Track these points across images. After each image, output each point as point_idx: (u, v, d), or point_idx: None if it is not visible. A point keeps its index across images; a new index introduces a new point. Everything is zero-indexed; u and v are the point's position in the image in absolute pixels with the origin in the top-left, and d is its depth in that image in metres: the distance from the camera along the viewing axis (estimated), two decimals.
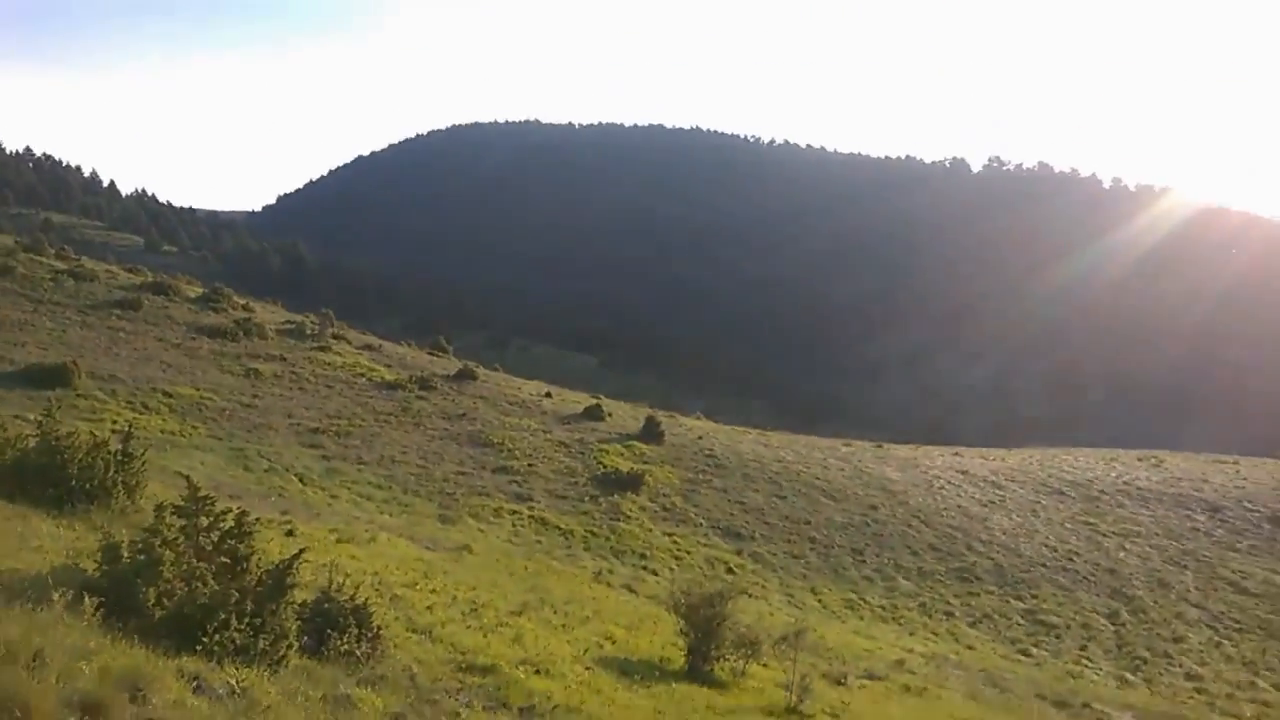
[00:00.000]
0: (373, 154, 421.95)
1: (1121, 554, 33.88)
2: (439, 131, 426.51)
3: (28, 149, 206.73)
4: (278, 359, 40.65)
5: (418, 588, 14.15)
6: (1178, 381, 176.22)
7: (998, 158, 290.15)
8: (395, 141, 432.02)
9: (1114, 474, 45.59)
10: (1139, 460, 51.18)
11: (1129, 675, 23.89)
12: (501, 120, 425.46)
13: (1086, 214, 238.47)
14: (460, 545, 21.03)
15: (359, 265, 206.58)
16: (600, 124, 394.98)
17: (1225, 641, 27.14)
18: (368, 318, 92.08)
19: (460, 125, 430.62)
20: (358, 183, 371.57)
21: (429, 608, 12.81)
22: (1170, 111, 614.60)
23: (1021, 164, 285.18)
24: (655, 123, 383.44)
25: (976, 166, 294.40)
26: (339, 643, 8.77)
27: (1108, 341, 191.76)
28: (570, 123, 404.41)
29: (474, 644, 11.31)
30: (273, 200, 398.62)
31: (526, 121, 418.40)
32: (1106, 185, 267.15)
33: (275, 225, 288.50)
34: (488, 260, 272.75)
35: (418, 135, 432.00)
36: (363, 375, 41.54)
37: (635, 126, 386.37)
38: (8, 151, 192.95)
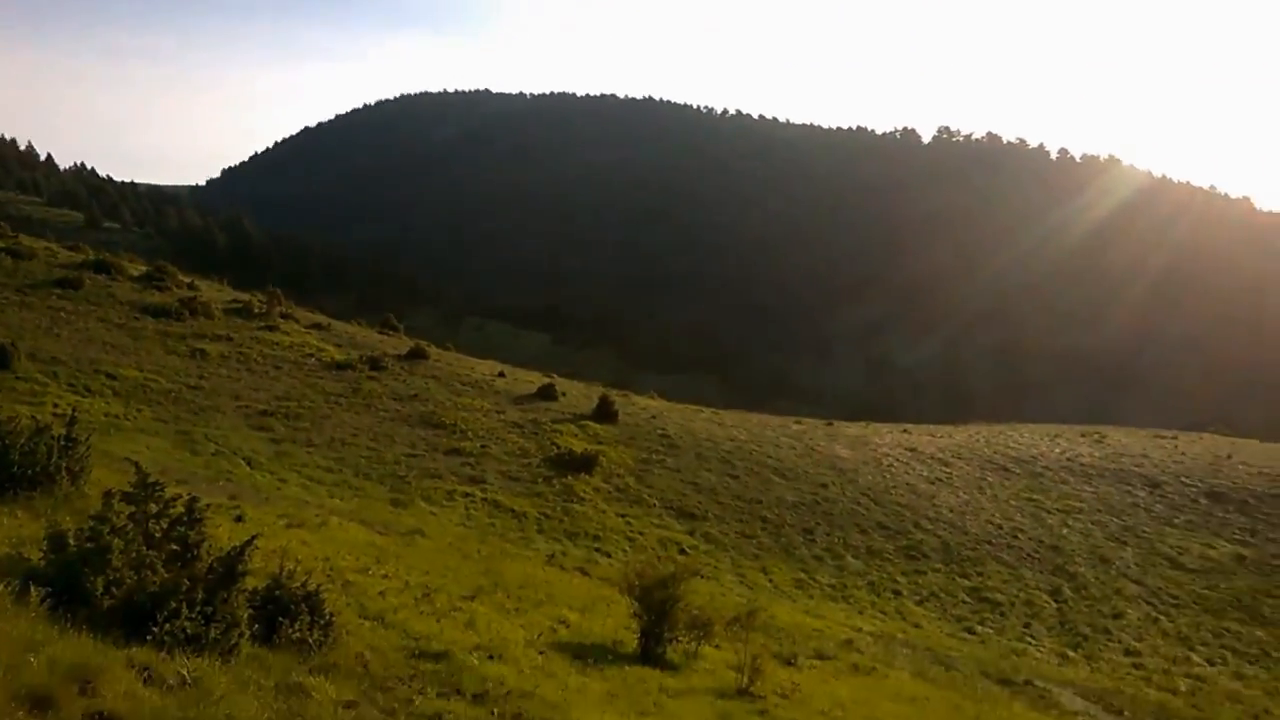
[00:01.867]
0: (320, 125, 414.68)
1: (1064, 530, 34.71)
2: (388, 102, 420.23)
3: None
4: (224, 339, 39.98)
5: (370, 573, 14.08)
6: (1121, 357, 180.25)
7: (947, 128, 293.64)
8: (343, 112, 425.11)
9: (1058, 450, 46.60)
10: (1082, 436, 52.37)
11: (1070, 652, 24.55)
12: (452, 90, 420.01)
13: (1034, 186, 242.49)
14: (412, 529, 20.95)
15: (307, 241, 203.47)
16: (552, 94, 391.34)
17: (1162, 617, 27.98)
18: (316, 295, 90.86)
19: (410, 95, 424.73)
20: (304, 155, 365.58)
21: (381, 593, 12.76)
22: (1116, 82, 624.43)
23: (971, 134, 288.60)
24: (608, 93, 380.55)
25: (927, 137, 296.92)
26: (291, 631, 8.70)
27: (1053, 317, 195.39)
28: (522, 93, 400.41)
29: (427, 630, 11.29)
30: (217, 174, 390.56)
31: (477, 91, 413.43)
32: (1054, 156, 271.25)
33: (220, 200, 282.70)
34: (440, 235, 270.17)
35: (365, 106, 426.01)
36: (312, 355, 41.02)
37: (587, 96, 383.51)
38: None
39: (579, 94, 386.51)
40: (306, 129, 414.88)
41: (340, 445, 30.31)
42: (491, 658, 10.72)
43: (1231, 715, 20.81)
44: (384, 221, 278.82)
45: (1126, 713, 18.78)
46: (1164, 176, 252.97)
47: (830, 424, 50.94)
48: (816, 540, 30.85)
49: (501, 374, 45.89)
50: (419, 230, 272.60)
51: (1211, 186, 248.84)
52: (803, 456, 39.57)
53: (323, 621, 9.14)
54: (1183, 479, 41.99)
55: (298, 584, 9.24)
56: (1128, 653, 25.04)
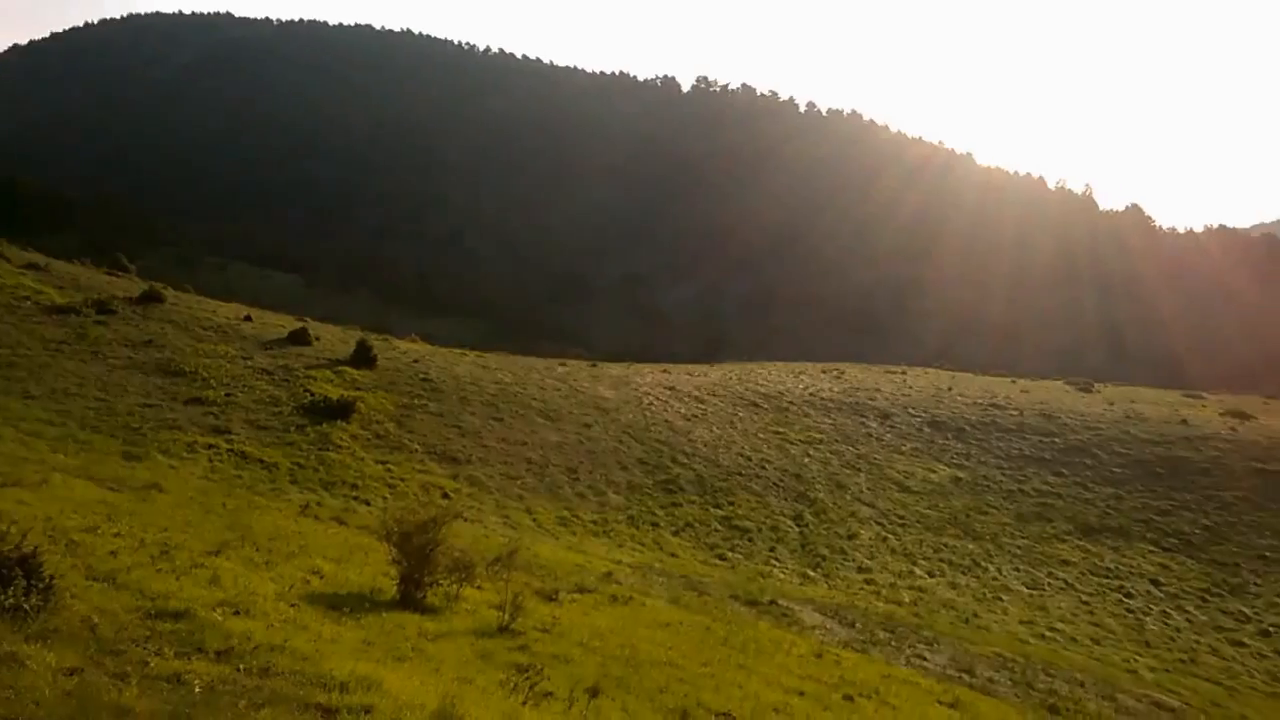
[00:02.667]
0: (31, 44, 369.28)
1: (806, 460, 37.24)
2: (112, 21, 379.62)
3: None
4: None
5: (99, 532, 13.06)
6: (864, 303, 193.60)
7: (705, 78, 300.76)
8: (58, 30, 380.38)
9: (801, 386, 49.76)
10: (823, 373, 56.19)
11: (810, 571, 26.52)
12: (187, 11, 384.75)
13: (786, 139, 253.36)
14: (149, 484, 19.51)
15: (19, 177, 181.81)
16: (302, 20, 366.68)
17: (890, 536, 30.73)
18: (32, 236, 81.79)
19: (138, 15, 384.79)
20: (16, 77, 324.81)
21: (113, 552, 11.88)
22: (856, 42, 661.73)
23: (728, 85, 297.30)
24: (363, 22, 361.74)
25: (686, 86, 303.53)
26: (2, 597, 7.99)
27: (805, 266, 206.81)
28: (268, 18, 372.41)
29: (165, 588, 10.63)
30: None
31: (217, 14, 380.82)
32: (802, 109, 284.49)
33: None
34: (179, 171, 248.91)
35: (86, 24, 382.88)
36: (27, 298, 37.03)
37: (340, 26, 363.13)
38: None
39: (331, 22, 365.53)
40: (15, 47, 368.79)
41: (64, 396, 27.70)
42: (237, 613, 10.25)
43: (946, 620, 23.25)
44: (114, 157, 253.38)
45: (858, 624, 20.55)
46: (910, 136, 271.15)
47: (594, 365, 51.87)
48: (580, 478, 31.47)
49: (248, 318, 43.33)
50: (153, 166, 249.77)
51: (940, 142, 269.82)
52: (567, 398, 40.07)
53: (41, 585, 8.45)
54: (909, 410, 46.00)
55: (11, 547, 8.47)
56: (860, 569, 27.36)
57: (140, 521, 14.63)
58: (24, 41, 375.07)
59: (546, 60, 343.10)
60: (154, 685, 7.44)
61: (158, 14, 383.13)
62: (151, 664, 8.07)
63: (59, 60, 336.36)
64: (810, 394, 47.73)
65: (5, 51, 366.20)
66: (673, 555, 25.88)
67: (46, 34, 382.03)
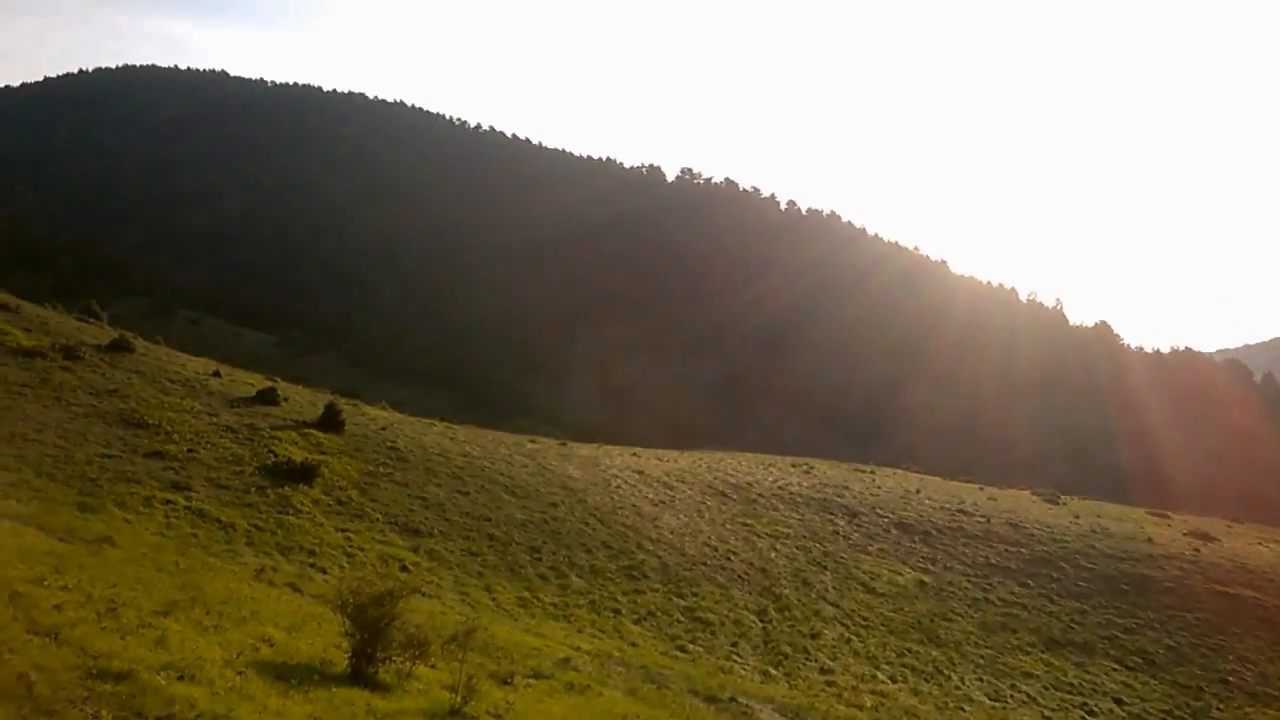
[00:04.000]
0: (23, 85, 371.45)
1: (773, 554, 36.88)
2: (107, 70, 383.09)
3: None
4: None
5: (45, 584, 12.65)
6: (830, 396, 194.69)
7: (689, 169, 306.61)
8: (51, 76, 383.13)
9: (771, 478, 49.56)
10: (793, 466, 56.07)
11: (772, 670, 26.01)
12: (184, 67, 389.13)
13: (765, 233, 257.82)
14: (101, 537, 18.98)
15: None
16: (296, 84, 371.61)
17: (854, 638, 30.29)
18: (4, 279, 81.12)
19: (133, 66, 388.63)
20: (4, 118, 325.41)
21: (57, 607, 11.49)
22: (836, 137, 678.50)
23: (711, 178, 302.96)
24: (357, 90, 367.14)
25: (670, 175, 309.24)
26: None
27: (773, 358, 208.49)
28: (263, 79, 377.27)
29: (109, 647, 10.27)
30: None
31: (213, 71, 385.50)
32: (783, 206, 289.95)
33: None
34: (156, 223, 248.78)
35: (81, 71, 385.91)
36: None
37: (334, 92, 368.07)
38: None
39: (325, 88, 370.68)
40: (7, 88, 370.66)
41: (21, 441, 27.08)
42: (182, 678, 9.89)
43: None
44: (93, 203, 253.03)
45: None
46: (901, 245, 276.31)
47: (564, 444, 51.50)
48: (543, 559, 30.95)
49: (217, 373, 42.85)
50: (132, 216, 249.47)
51: (915, 247, 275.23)
52: (534, 475, 39.68)
53: None
54: (878, 510, 45.86)
55: None
56: (822, 670, 26.87)
57: (89, 576, 14.19)
58: (16, 84, 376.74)
59: (535, 141, 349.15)
60: None
61: (153, 66, 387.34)
62: None
63: (46, 102, 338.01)
64: (779, 487, 47.55)
65: None
66: (633, 644, 25.34)
67: (40, 78, 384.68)
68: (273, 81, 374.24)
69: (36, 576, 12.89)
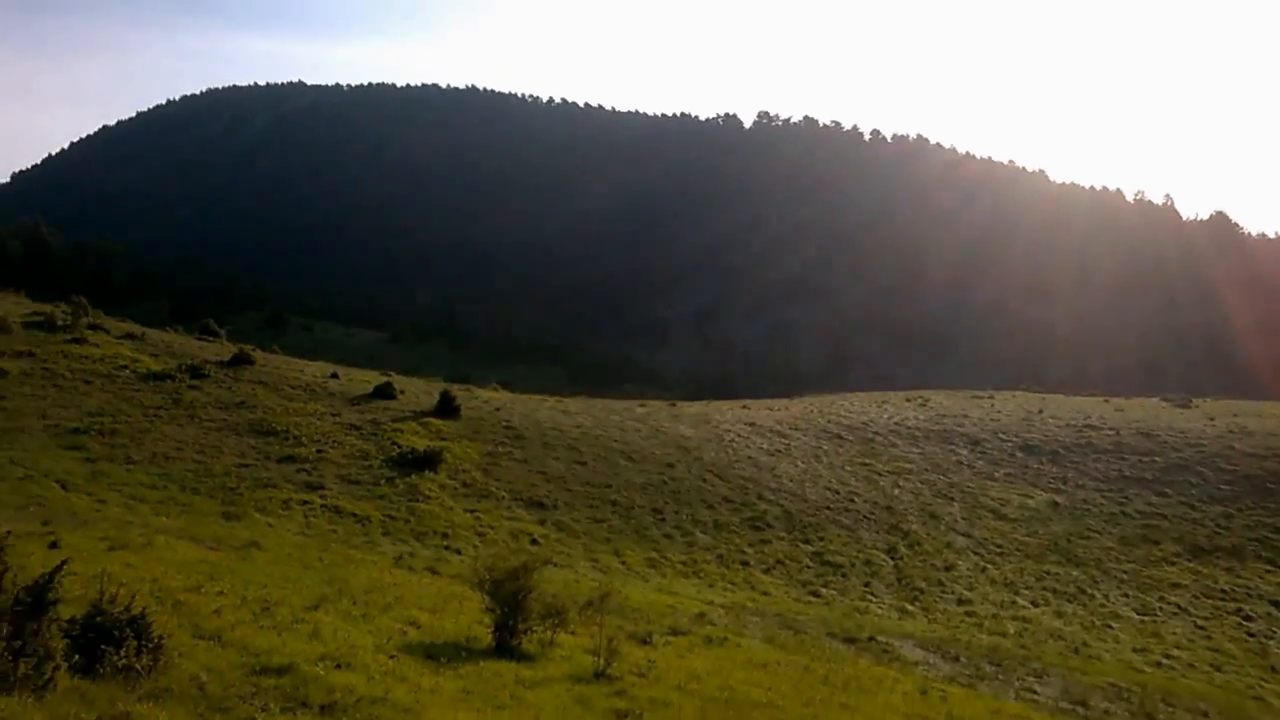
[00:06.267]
0: (119, 124, 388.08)
1: (896, 491, 36.44)
2: (192, 97, 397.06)
3: None
4: (26, 355, 36.93)
5: (203, 591, 13.38)
6: (937, 325, 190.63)
7: (766, 113, 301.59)
8: (144, 109, 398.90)
9: (886, 415, 48.85)
10: (907, 401, 55.14)
11: (908, 606, 25.81)
12: (261, 83, 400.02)
13: (850, 167, 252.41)
14: (248, 542, 19.97)
15: (112, 248, 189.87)
16: (371, 85, 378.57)
17: (989, 566, 29.79)
18: (125, 303, 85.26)
19: (216, 89, 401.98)
20: (104, 156, 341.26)
21: (216, 611, 12.16)
22: (921, 63, 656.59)
23: (789, 118, 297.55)
24: (430, 83, 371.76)
25: (748, 122, 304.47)
26: (115, 658, 8.20)
27: (874, 290, 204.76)
28: (338, 84, 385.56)
29: (268, 644, 10.83)
30: (7, 179, 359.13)
31: (290, 84, 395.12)
32: (866, 137, 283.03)
33: (11, 206, 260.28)
34: (259, 235, 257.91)
35: (168, 101, 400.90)
36: (125, 367, 38.44)
37: (409, 86, 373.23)
38: None
39: (399, 84, 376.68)
40: (105, 127, 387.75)
41: (164, 460, 28.59)
42: (339, 666, 10.37)
43: (1055, 650, 22.37)
44: (196, 225, 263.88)
45: (962, 658, 19.88)
46: (965, 153, 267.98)
47: (673, 405, 51.74)
48: (666, 519, 31.28)
49: (334, 375, 44.34)
50: (234, 232, 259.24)
51: (1010, 161, 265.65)
52: (648, 438, 40.00)
53: (151, 645, 8.63)
54: (1000, 435, 44.77)
55: (121, 608, 8.69)
56: (960, 602, 26.54)
57: (241, 579, 14.95)
58: (112, 122, 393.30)
59: (609, 107, 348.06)
60: None
61: (234, 87, 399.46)
62: (259, 719, 8.18)
63: (142, 136, 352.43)
64: (896, 423, 46.84)
65: (97, 131, 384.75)
66: (765, 594, 25.47)
67: (132, 113, 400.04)
68: (348, 85, 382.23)
69: (194, 585, 13.65)
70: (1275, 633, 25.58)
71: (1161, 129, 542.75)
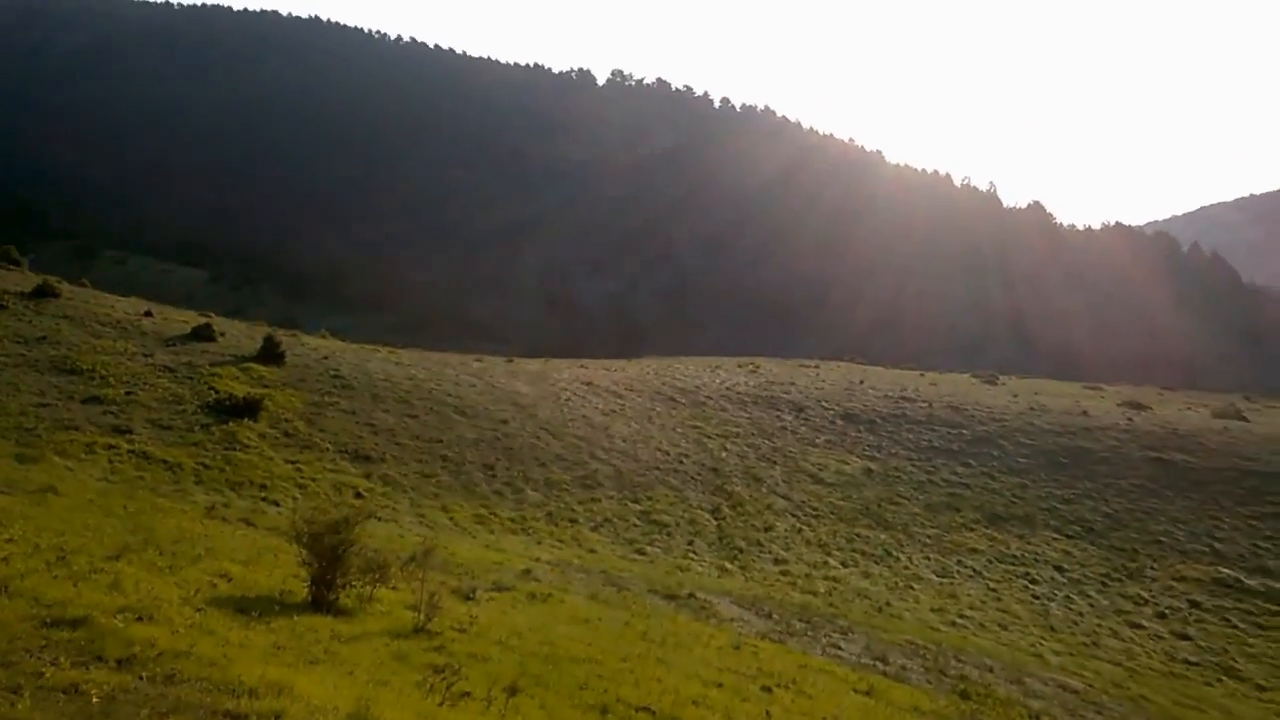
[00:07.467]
0: None
1: (723, 454, 37.53)
2: (3, 4, 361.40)
3: None
4: None
5: None
6: (778, 296, 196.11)
7: (620, 71, 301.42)
8: None
9: (718, 380, 50.14)
10: (739, 367, 56.74)
11: (728, 564, 26.71)
12: None
13: (699, 133, 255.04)
14: (44, 486, 18.66)
15: None
16: (203, 5, 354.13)
17: (805, 527, 31.15)
18: None
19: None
20: None
21: (5, 559, 11.34)
22: (769, 41, 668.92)
23: (643, 79, 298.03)
24: (269, 8, 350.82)
25: (601, 80, 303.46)
26: None
27: (720, 260, 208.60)
28: (168, 1, 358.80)
29: (62, 595, 10.17)
30: None
31: None
32: (716, 104, 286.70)
33: None
34: (71, 161, 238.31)
35: None
36: None
37: (245, 11, 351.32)
38: None
39: (234, 8, 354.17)
40: None
41: None
42: (140, 619, 9.84)
43: (860, 609, 23.67)
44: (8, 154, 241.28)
45: (775, 615, 20.77)
46: (825, 135, 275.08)
47: (511, 361, 51.43)
48: (497, 476, 31.16)
49: (149, 313, 41.81)
50: (45, 156, 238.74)
51: (850, 139, 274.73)
52: (483, 394, 39.65)
53: None
54: (823, 403, 46.72)
55: None
56: (776, 561, 27.67)
57: (35, 526, 13.99)
58: None
59: (460, 50, 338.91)
60: (49, 697, 7.12)
61: None
62: (47, 674, 7.70)
63: None
64: (726, 388, 48.12)
65: None
66: (592, 551, 25.80)
67: None
68: (178, 3, 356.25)
69: None
70: (1056, 595, 27.90)
71: (987, 120, 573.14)
